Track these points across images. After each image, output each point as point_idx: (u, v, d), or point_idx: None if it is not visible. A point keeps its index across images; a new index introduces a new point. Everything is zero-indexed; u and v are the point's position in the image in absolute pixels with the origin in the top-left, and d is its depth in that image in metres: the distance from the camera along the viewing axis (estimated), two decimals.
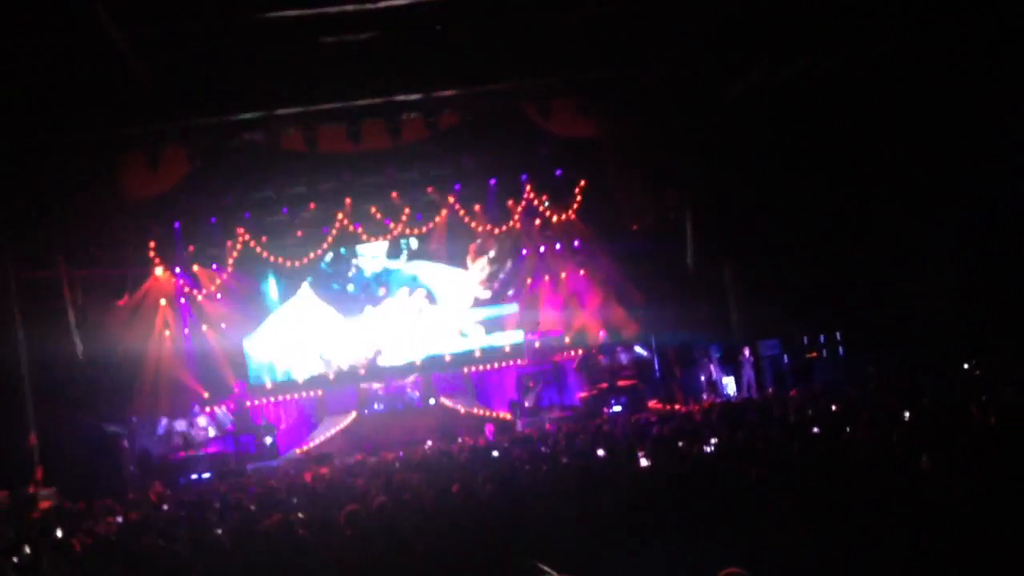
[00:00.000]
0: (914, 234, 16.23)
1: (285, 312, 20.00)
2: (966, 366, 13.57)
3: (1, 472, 14.79)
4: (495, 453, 12.26)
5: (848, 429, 8.65)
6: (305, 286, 19.98)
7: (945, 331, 15.23)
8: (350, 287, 20.27)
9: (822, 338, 17.67)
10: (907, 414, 8.90)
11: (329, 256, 20.01)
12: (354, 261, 20.36)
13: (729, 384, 18.01)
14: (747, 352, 17.90)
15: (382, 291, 20.24)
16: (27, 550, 8.72)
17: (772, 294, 17.46)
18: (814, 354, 17.67)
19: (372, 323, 20.04)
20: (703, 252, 18.44)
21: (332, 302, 20.09)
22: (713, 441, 9.35)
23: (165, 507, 12.29)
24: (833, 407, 10.86)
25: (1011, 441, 6.67)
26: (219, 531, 8.28)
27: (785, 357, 17.65)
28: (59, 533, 10.22)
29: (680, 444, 9.18)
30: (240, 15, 13.32)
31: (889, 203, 16.36)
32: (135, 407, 18.15)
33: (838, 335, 17.61)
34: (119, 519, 11.01)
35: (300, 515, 8.38)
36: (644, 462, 8.85)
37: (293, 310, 20.03)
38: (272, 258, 19.57)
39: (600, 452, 9.89)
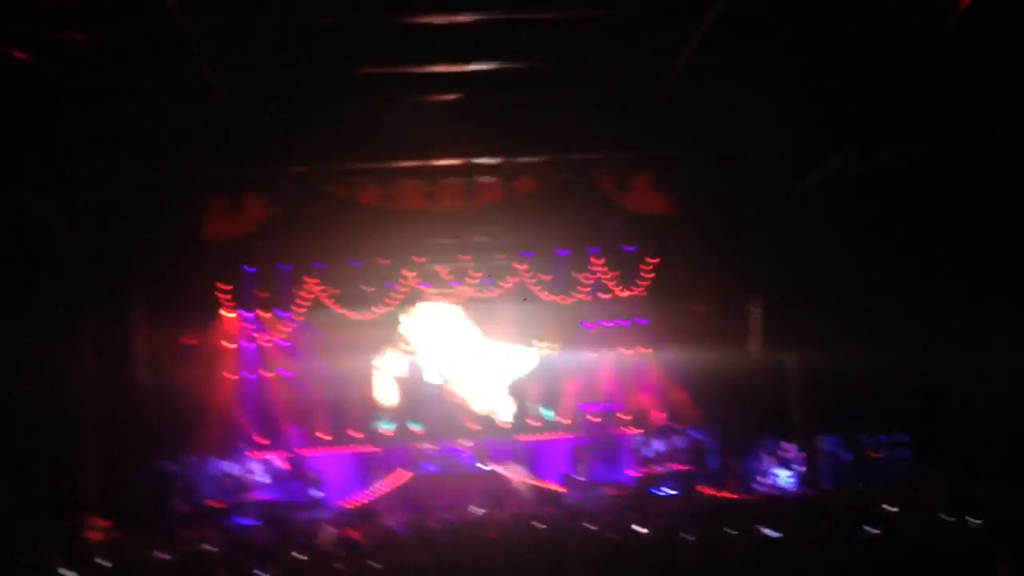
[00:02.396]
0: (990, 341, 15.86)
1: None
2: None
3: (57, 498, 15.05)
4: (542, 525, 12.09)
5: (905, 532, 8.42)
6: None
7: (1017, 444, 14.79)
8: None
9: (883, 437, 17.24)
10: (977, 521, 8.61)
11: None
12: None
13: (782, 476, 17.60)
14: (795, 448, 17.53)
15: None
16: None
17: (836, 389, 17.13)
18: (876, 454, 17.22)
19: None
20: (768, 341, 18.20)
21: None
22: (767, 532, 9.13)
23: (210, 548, 12.32)
24: (891, 508, 10.56)
25: None
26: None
27: (846, 455, 17.23)
28: (107, 563, 10.33)
29: (731, 532, 9.00)
30: (334, 67, 13.68)
31: (967, 305, 16.05)
32: (191, 446, 18.32)
33: (902, 437, 17.17)
34: (166, 556, 11.07)
35: (339, 566, 8.35)
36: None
37: None
38: (340, 309, 19.82)
39: (643, 530, 9.73)
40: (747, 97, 15.11)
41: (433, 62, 13.75)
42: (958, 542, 7.58)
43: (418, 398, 20.36)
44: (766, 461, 18.11)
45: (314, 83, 14.37)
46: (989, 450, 14.83)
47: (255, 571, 8.52)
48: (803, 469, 17.36)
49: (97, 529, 14.75)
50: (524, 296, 20.18)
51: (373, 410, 20.26)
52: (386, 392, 20.36)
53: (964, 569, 6.91)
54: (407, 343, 20.52)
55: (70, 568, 9.70)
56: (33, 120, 13.46)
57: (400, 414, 20.21)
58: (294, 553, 10.24)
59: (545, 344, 20.60)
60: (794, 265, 17.35)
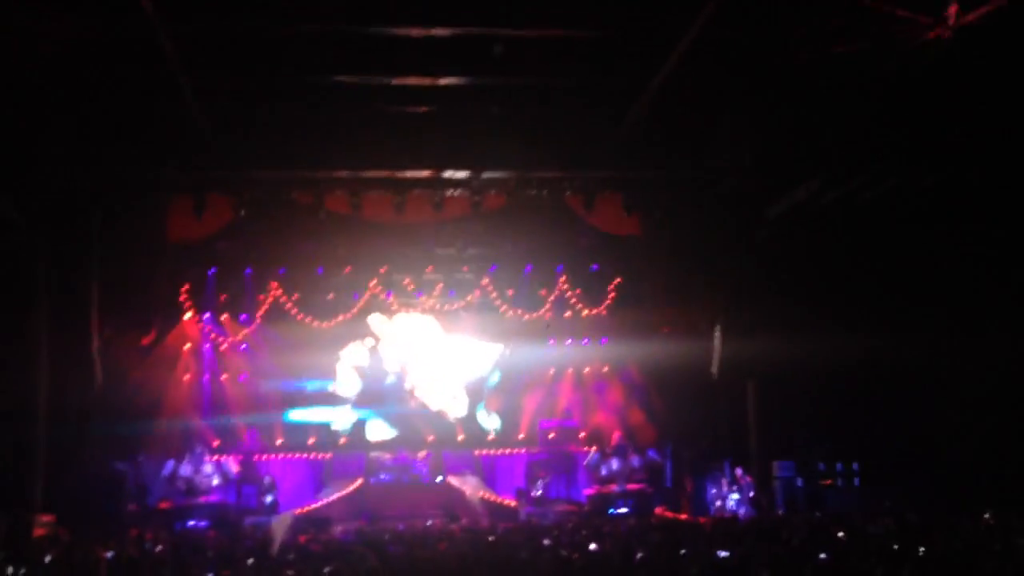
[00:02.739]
0: (946, 372, 16.08)
1: None
2: (986, 515, 13.27)
3: (4, 494, 14.81)
4: (491, 538, 12.07)
5: (854, 559, 8.49)
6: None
7: (968, 475, 15.00)
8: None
9: (839, 466, 17.41)
10: (920, 550, 8.71)
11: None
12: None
13: (733, 500, 17.69)
14: (739, 471, 17.68)
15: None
16: (10, 570, 8.67)
17: (793, 416, 17.29)
18: (829, 481, 17.39)
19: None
20: (728, 366, 18.32)
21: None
22: (721, 554, 9.17)
23: (159, 548, 12.18)
24: (840, 534, 10.65)
25: None
26: None
27: (799, 480, 17.37)
28: (47, 559, 10.19)
29: (682, 552, 9.04)
30: (308, 75, 13.68)
31: (923, 338, 16.26)
32: (145, 446, 18.14)
33: (855, 465, 17.35)
34: (110, 554, 10.92)
35: (291, 572, 8.29)
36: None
37: None
38: (300, 316, 19.74)
39: (593, 546, 9.76)
40: (720, 123, 15.27)
41: (407, 74, 13.78)
42: (905, 572, 7.66)
43: (375, 406, 20.29)
44: (720, 484, 18.21)
45: (285, 89, 14.38)
46: (942, 481, 15.02)
47: (204, 574, 8.43)
48: (753, 494, 17.46)
49: (43, 526, 14.52)
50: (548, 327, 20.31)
51: (329, 417, 20.17)
52: (342, 399, 20.29)
53: None
54: (367, 351, 20.46)
55: (14, 565, 9.55)
56: None
57: (356, 421, 20.14)
58: (241, 557, 10.15)
59: (504, 356, 20.62)
60: (759, 292, 17.47)
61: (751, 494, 17.35)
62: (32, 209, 15.59)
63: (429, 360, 20.61)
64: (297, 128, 15.29)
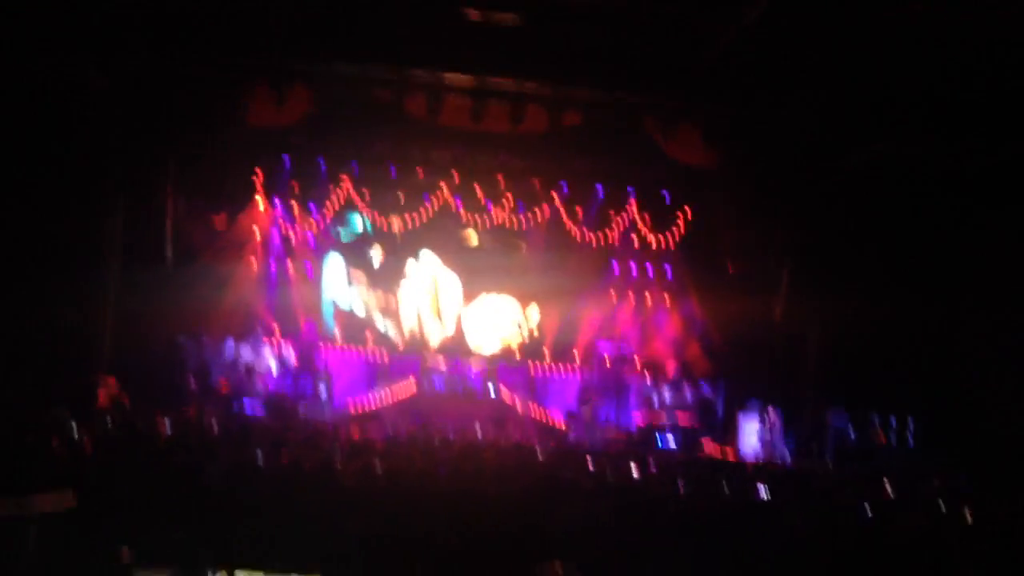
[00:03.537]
0: (1013, 339, 15.73)
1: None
2: None
3: (71, 355, 15.29)
4: (538, 456, 12.20)
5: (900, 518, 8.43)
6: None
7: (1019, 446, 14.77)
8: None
9: (893, 421, 17.22)
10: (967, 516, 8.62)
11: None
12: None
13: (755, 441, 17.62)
14: (771, 412, 17.60)
15: None
16: (75, 431, 8.98)
17: (851, 366, 17.08)
18: (883, 437, 17.23)
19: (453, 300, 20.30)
20: (791, 308, 18.12)
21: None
22: (762, 496, 9.18)
23: (215, 428, 12.53)
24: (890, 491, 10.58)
25: None
26: (260, 460, 8.41)
27: (852, 433, 17.23)
28: (109, 423, 10.54)
29: (725, 490, 9.05)
30: None
31: (991, 303, 15.91)
32: (209, 326, 18.53)
33: (911, 423, 17.15)
34: (167, 426, 11.27)
35: (338, 464, 8.47)
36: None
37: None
38: (369, 213, 19.89)
39: (635, 474, 9.82)
40: (805, 69, 14.84)
41: None
42: (949, 534, 7.59)
43: (435, 312, 20.44)
44: (769, 428, 18.12)
45: None
46: (995, 447, 14.81)
47: (254, 455, 8.66)
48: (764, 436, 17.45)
49: (108, 388, 15.00)
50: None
51: (389, 317, 20.38)
52: (403, 302, 20.45)
53: (948, 562, 6.93)
54: (431, 258, 20.55)
55: (77, 422, 9.89)
56: None
57: (405, 320, 20.31)
58: (294, 444, 10.39)
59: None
60: (828, 238, 17.18)
61: (777, 437, 17.31)
62: (116, 75, 15.69)
63: (491, 291, 20.56)
64: (381, 26, 15.15)
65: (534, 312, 20.40)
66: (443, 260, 20.45)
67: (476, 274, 20.46)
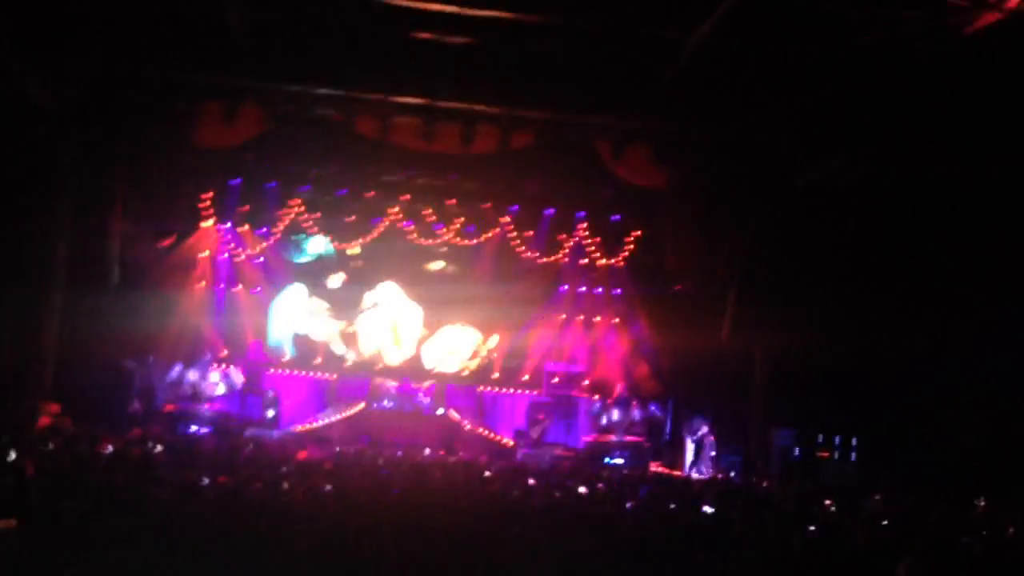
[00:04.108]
0: (955, 359, 16.05)
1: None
2: (979, 501, 13.32)
3: (15, 379, 15.02)
4: (487, 473, 12.21)
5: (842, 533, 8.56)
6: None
7: (964, 461, 15.04)
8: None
9: (837, 439, 17.48)
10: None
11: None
12: None
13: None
14: (704, 430, 17.90)
15: None
16: (13, 455, 8.83)
17: (797, 386, 17.30)
18: (825, 453, 17.48)
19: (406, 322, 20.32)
20: (739, 328, 18.31)
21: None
22: (707, 509, 9.27)
23: (159, 449, 12.36)
24: (830, 505, 10.73)
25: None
26: (205, 481, 8.33)
27: (796, 450, 17.47)
28: (51, 447, 10.36)
29: (672, 506, 9.13)
30: None
31: (935, 322, 16.22)
32: (155, 348, 18.32)
33: (854, 440, 17.41)
34: (110, 448, 11.10)
35: (285, 484, 8.41)
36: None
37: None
38: (326, 236, 19.89)
39: (582, 489, 9.87)
40: (758, 88, 15.06)
41: (447, 2, 13.58)
42: (889, 550, 7.71)
43: (383, 334, 20.38)
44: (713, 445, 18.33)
45: (327, 6, 14.20)
46: (938, 465, 15.07)
47: (200, 478, 8.57)
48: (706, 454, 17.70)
49: (49, 415, 14.75)
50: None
51: (346, 343, 20.29)
52: (362, 330, 20.37)
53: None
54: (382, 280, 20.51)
55: (16, 448, 9.73)
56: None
57: (364, 346, 20.25)
58: (239, 465, 10.30)
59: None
60: (777, 259, 17.40)
61: (711, 454, 17.58)
62: (65, 98, 15.52)
63: (440, 313, 20.61)
64: (333, 47, 15.15)
65: (492, 341, 20.44)
66: (403, 289, 20.43)
67: (432, 303, 20.46)
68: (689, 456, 18.17)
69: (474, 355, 20.35)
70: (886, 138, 14.84)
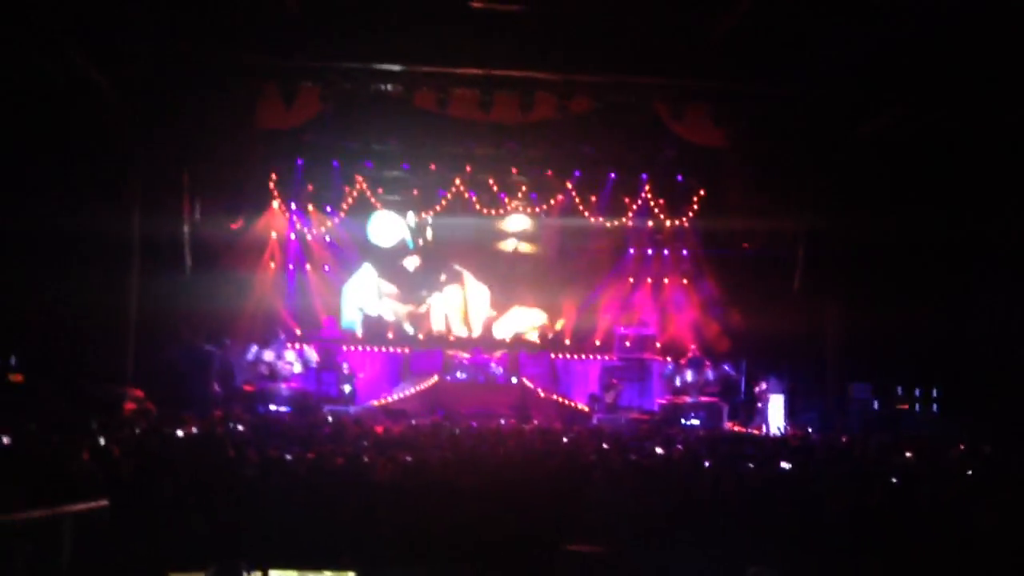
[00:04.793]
0: None
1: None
2: None
3: (95, 367, 15.42)
4: (564, 440, 12.27)
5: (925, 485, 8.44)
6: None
7: None
8: None
9: (918, 391, 17.20)
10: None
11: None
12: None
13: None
14: (763, 385, 17.88)
15: None
16: (102, 440, 9.10)
17: (873, 338, 17.04)
18: (905, 405, 17.22)
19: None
20: (810, 284, 18.08)
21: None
22: (784, 466, 9.21)
23: (242, 428, 12.65)
24: (911, 457, 10.59)
25: None
26: (288, 457, 8.50)
27: (875, 403, 17.23)
28: (137, 431, 10.67)
29: (749, 464, 9.09)
30: None
31: (1009, 267, 15.85)
32: (231, 330, 18.67)
33: (935, 391, 17.11)
34: (194, 430, 11.39)
35: (366, 459, 8.55)
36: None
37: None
38: (385, 210, 20.06)
39: (659, 450, 9.87)
40: (812, 42, 14.78)
41: None
42: (974, 500, 7.59)
43: (452, 315, 20.56)
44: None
45: None
46: (1019, 415, 14.76)
47: (283, 453, 8.75)
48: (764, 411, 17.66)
49: (133, 400, 15.14)
50: None
51: (416, 322, 20.51)
52: (433, 311, 20.58)
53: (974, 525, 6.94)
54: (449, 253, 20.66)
55: (104, 434, 10.02)
56: None
57: (435, 320, 20.45)
58: (321, 440, 10.50)
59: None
60: (843, 212, 17.12)
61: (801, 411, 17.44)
62: (124, 80, 15.73)
63: (510, 281, 20.76)
64: (387, 21, 15.19)
65: (559, 324, 20.52)
66: (473, 272, 20.52)
67: (505, 282, 20.55)
68: (776, 414, 17.94)
69: (541, 327, 20.50)
70: (946, 85, 14.48)
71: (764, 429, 17.40)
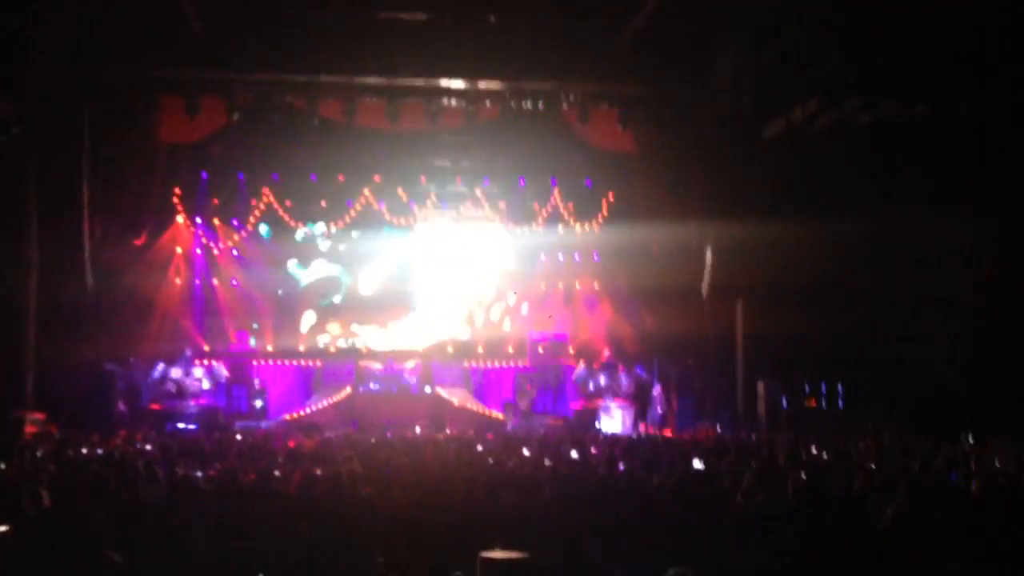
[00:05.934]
0: (931, 298, 16.19)
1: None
2: (968, 438, 13.46)
3: None
4: (479, 447, 12.24)
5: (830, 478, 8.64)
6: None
7: (948, 400, 15.21)
8: None
9: (823, 387, 17.60)
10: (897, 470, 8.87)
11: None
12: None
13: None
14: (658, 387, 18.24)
15: None
16: (2, 465, 8.79)
17: (780, 336, 17.39)
18: (813, 402, 17.60)
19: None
20: (719, 284, 18.39)
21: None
22: (697, 465, 9.34)
23: (148, 447, 12.32)
24: (819, 454, 10.84)
25: (988, 508, 6.72)
26: (199, 475, 8.32)
27: (783, 401, 17.57)
28: (39, 454, 10.32)
29: (663, 464, 9.19)
30: None
31: (910, 264, 16.34)
32: (135, 348, 18.23)
33: (840, 387, 17.53)
34: (99, 451, 11.06)
35: (277, 473, 8.41)
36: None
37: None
38: (293, 223, 19.75)
39: (574, 454, 9.93)
40: (717, 43, 15.08)
41: None
42: (879, 493, 7.79)
43: (366, 316, 20.37)
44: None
45: None
46: (924, 406, 15.22)
47: (192, 472, 8.55)
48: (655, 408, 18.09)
49: (34, 423, 14.66)
50: None
51: (320, 325, 20.26)
52: (334, 309, 20.36)
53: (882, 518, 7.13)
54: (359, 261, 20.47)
55: (5, 458, 9.68)
56: None
57: (346, 331, 20.24)
58: (231, 458, 10.29)
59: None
60: (750, 212, 17.45)
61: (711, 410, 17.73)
62: (23, 106, 15.32)
63: (420, 289, 20.64)
64: (291, 32, 15.05)
65: (476, 316, 20.48)
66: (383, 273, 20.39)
67: (413, 283, 20.44)
68: (686, 414, 18.21)
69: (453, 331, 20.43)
70: (851, 82, 14.88)
71: (677, 430, 17.64)
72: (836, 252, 16.70)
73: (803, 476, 8.77)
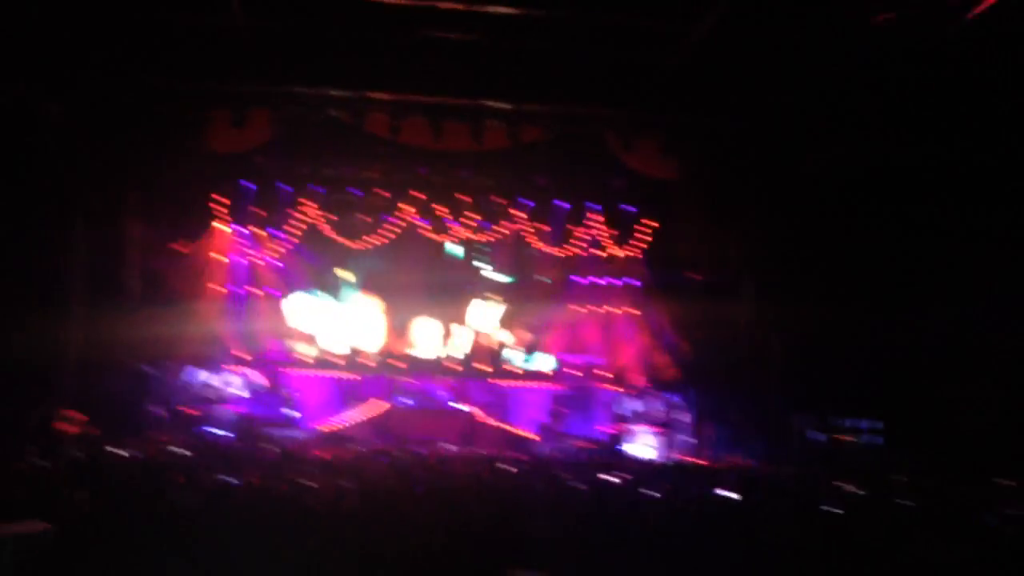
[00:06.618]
0: (974, 340, 16.02)
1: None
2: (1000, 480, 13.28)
3: (36, 391, 15.13)
4: (511, 468, 12.25)
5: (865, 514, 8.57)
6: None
7: (988, 440, 15.04)
8: None
9: (863, 424, 17.44)
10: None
11: None
12: None
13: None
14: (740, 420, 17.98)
15: None
16: (45, 463, 8.94)
17: (818, 371, 17.27)
18: (849, 437, 17.43)
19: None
20: (756, 315, 18.31)
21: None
22: (727, 494, 9.30)
23: (186, 452, 12.47)
24: (855, 489, 10.75)
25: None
26: (233, 483, 8.41)
27: (819, 435, 17.42)
28: (78, 455, 10.48)
29: (692, 492, 9.16)
30: None
31: (956, 305, 16.21)
32: (175, 353, 18.43)
33: (880, 424, 17.36)
34: (136, 453, 11.21)
35: (310, 483, 8.48)
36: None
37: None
38: (334, 235, 19.96)
39: (605, 477, 9.93)
40: (763, 75, 15.07)
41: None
42: (914, 530, 7.72)
43: (400, 332, 20.47)
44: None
45: (331, 7, 14.24)
46: (962, 447, 15.05)
47: (221, 477, 8.65)
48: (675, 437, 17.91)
49: (72, 423, 14.87)
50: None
51: (356, 338, 20.37)
52: (370, 323, 20.46)
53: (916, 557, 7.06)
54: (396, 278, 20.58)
55: (42, 458, 9.84)
56: (37, 8, 13.32)
57: (382, 346, 20.34)
58: (265, 466, 10.38)
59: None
60: (793, 244, 17.39)
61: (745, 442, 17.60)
62: (72, 110, 15.61)
63: (455, 308, 20.69)
64: (340, 47, 15.21)
65: (506, 336, 20.51)
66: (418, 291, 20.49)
67: (449, 303, 20.52)
68: (720, 444, 18.06)
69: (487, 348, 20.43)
70: (888, 124, 14.85)
71: (710, 459, 17.50)
72: (878, 286, 16.59)
73: (836, 512, 8.74)
